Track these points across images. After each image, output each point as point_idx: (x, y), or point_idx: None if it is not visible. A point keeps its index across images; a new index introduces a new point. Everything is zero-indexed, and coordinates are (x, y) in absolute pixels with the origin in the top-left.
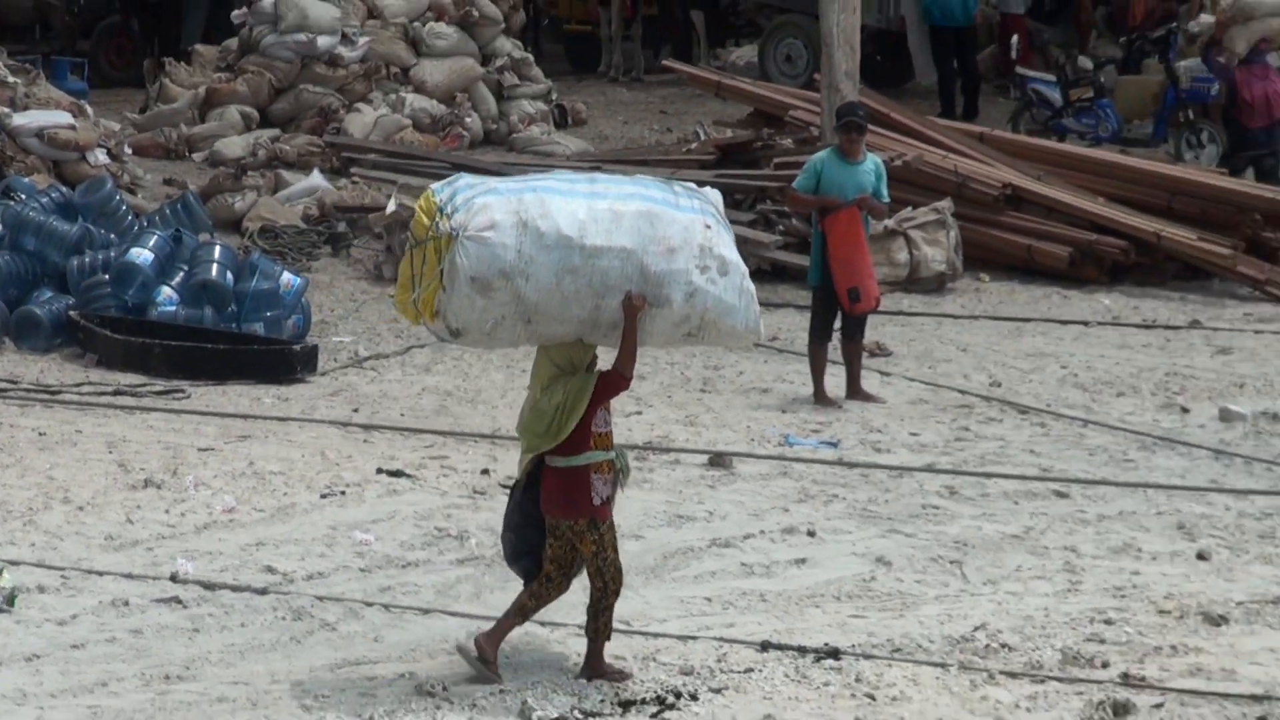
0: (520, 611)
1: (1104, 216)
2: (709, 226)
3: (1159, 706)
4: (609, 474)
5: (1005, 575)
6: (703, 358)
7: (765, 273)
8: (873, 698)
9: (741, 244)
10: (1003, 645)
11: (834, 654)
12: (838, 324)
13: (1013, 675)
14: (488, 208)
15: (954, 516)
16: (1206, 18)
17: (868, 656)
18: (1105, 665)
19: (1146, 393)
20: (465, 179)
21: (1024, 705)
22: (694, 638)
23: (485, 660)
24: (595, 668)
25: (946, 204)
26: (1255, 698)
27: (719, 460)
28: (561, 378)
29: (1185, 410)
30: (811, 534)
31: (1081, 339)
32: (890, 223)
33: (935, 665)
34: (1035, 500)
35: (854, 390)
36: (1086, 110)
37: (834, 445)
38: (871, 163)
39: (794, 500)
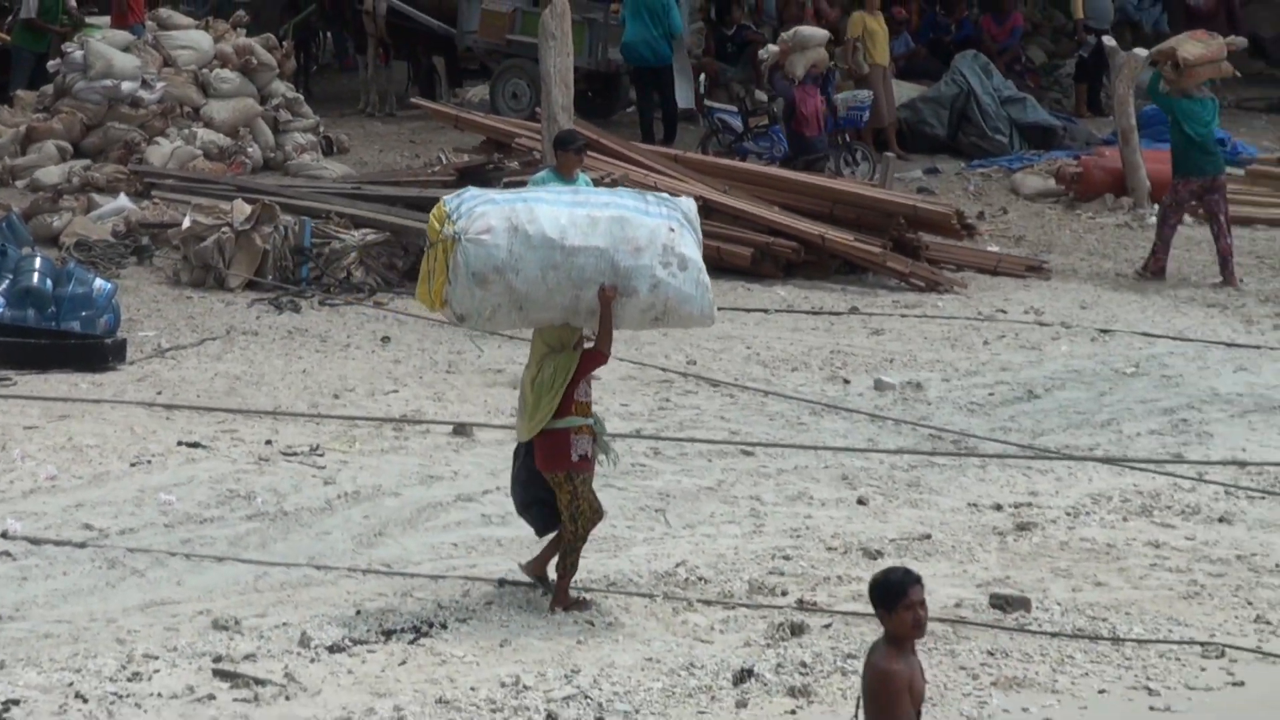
0: (565, 564)
1: (778, 222)
2: (673, 229)
3: (828, 626)
4: (588, 434)
5: (701, 520)
6: (447, 345)
7: None
8: (592, 624)
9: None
10: (699, 578)
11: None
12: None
13: (708, 603)
14: (485, 215)
15: (658, 473)
16: (773, 47)
17: (587, 589)
18: (784, 593)
19: (815, 368)
20: (471, 191)
21: (718, 628)
22: (443, 577)
23: (580, 605)
24: (561, 600)
25: None
26: None
27: (462, 429)
28: (552, 355)
29: (847, 382)
30: None
31: (762, 324)
32: None
33: (643, 596)
34: (725, 459)
35: None
36: (763, 135)
37: None
38: (583, 180)
39: None
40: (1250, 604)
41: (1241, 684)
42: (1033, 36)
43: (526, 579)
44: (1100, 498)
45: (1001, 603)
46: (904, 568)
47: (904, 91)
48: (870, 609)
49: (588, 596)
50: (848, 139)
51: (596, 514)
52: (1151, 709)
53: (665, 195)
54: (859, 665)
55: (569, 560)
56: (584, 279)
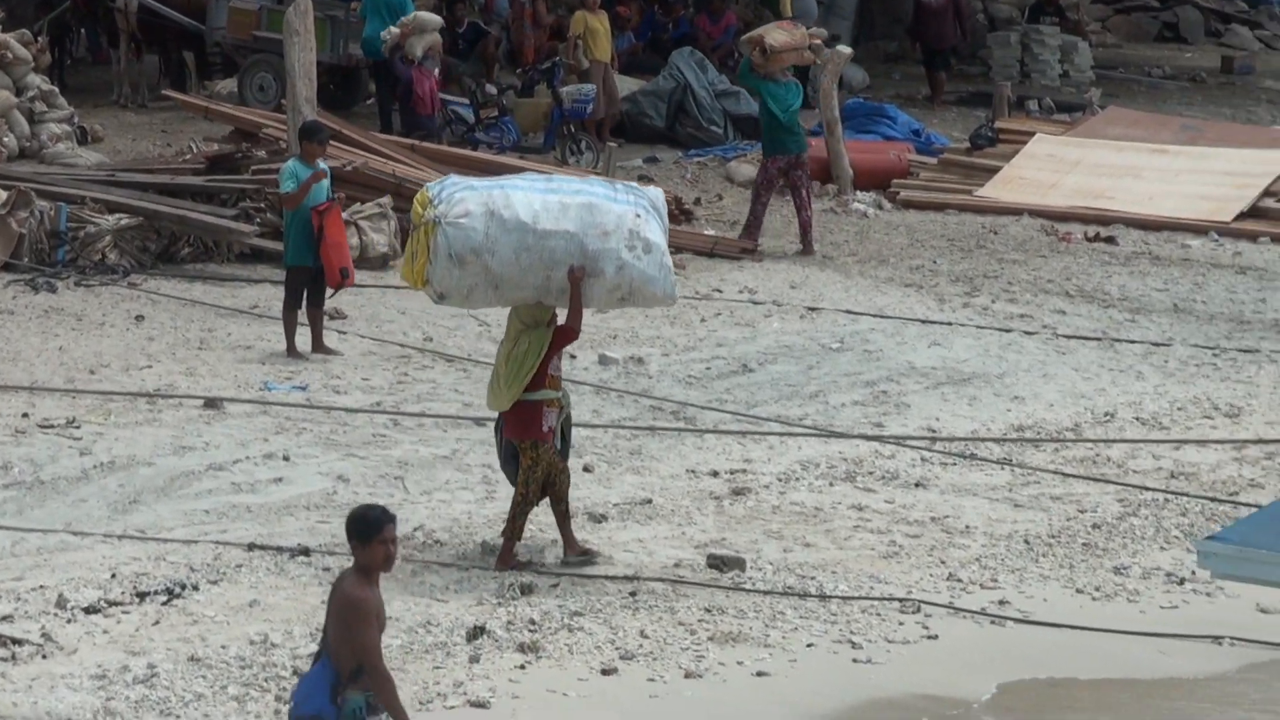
0: (565, 513)
1: None
2: (639, 215)
3: (555, 586)
4: (556, 409)
5: (438, 487)
6: (199, 323)
7: (246, 255)
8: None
9: (226, 233)
10: (436, 541)
11: (305, 552)
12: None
13: (444, 565)
14: (464, 200)
15: (397, 442)
16: (394, 29)
17: (332, 554)
18: (514, 555)
19: None
20: (453, 178)
21: (452, 588)
22: (195, 541)
23: (520, 566)
24: (505, 561)
25: (387, 200)
26: (627, 578)
27: (213, 403)
28: (527, 332)
29: (573, 357)
30: (286, 459)
31: None
32: (344, 215)
33: None
34: (460, 429)
35: (318, 346)
36: (493, 126)
37: (303, 389)
38: (324, 167)
39: (272, 433)
40: (944, 563)
41: (935, 637)
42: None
43: (274, 545)
44: (809, 464)
45: (718, 563)
46: (382, 507)
47: (625, 85)
48: (590, 571)
49: (530, 559)
50: (572, 130)
51: (563, 475)
52: (854, 661)
53: (634, 185)
54: (586, 622)
55: (517, 524)
56: (555, 260)
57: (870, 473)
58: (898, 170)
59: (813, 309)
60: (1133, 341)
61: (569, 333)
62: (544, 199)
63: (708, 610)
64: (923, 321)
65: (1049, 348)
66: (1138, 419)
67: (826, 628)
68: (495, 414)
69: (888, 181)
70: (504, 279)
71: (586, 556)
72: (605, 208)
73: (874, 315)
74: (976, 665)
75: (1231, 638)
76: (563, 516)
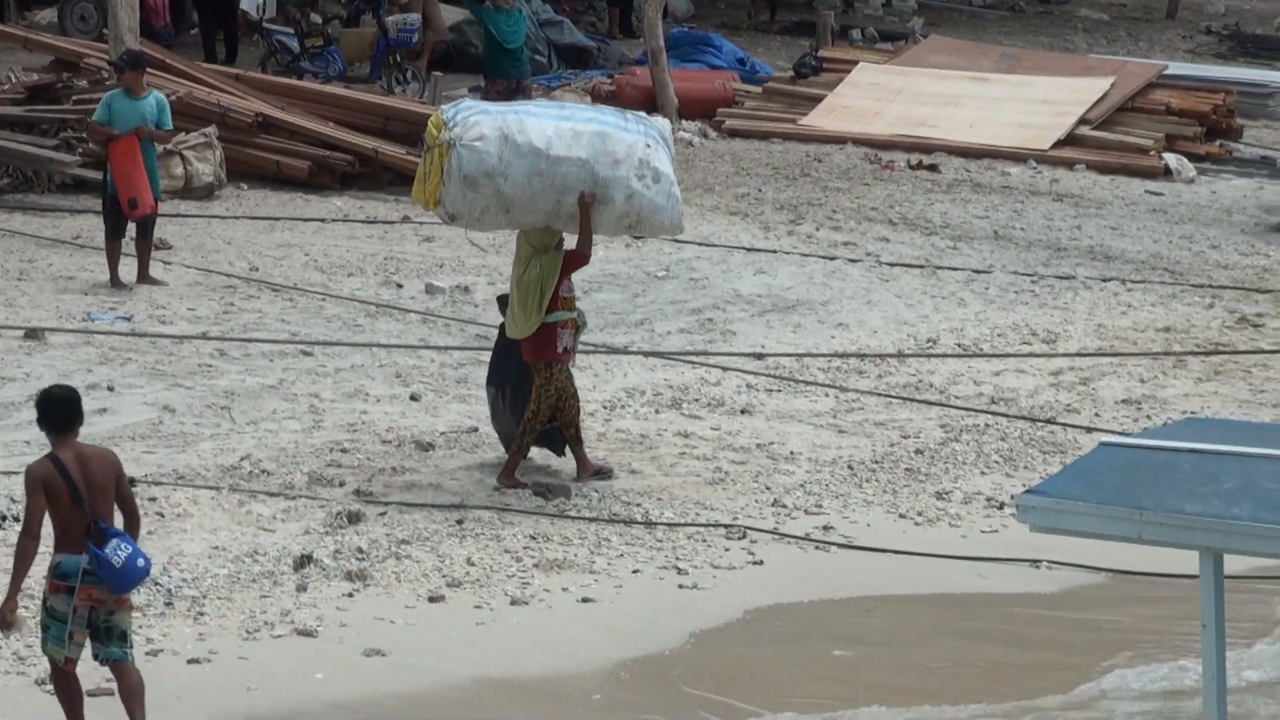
0: (576, 437)
1: (334, 137)
2: (649, 145)
3: (383, 514)
4: (572, 329)
5: (264, 417)
6: (18, 254)
7: (69, 186)
8: (163, 515)
9: (46, 164)
10: (263, 471)
11: (131, 482)
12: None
13: (271, 494)
14: (479, 124)
15: (224, 372)
16: None
17: (157, 483)
18: (342, 484)
19: (370, 273)
20: (467, 102)
21: (280, 516)
22: (15, 473)
23: (520, 485)
24: (508, 477)
25: (212, 129)
26: (454, 506)
27: (34, 334)
28: (536, 256)
29: (400, 286)
30: (111, 389)
31: (320, 233)
32: (169, 145)
33: (210, 488)
34: (287, 359)
35: (143, 276)
36: (319, 56)
37: (128, 319)
38: (154, 98)
39: (96, 363)
40: (769, 489)
41: (761, 562)
42: None
43: None
44: (635, 392)
45: (544, 490)
46: (70, 387)
47: (451, 15)
48: (417, 499)
49: (528, 481)
50: (399, 59)
51: (573, 399)
52: (680, 586)
53: (643, 115)
54: (413, 551)
55: (526, 441)
56: (566, 186)
57: (696, 400)
58: (723, 99)
59: (638, 237)
60: (954, 269)
61: (579, 257)
62: (557, 126)
63: (533, 538)
64: (748, 249)
65: (873, 275)
66: (959, 345)
67: (652, 554)
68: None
69: (713, 110)
70: (515, 202)
71: (602, 474)
72: (617, 136)
73: (699, 244)
74: (800, 590)
75: (1049, 561)
76: (574, 440)
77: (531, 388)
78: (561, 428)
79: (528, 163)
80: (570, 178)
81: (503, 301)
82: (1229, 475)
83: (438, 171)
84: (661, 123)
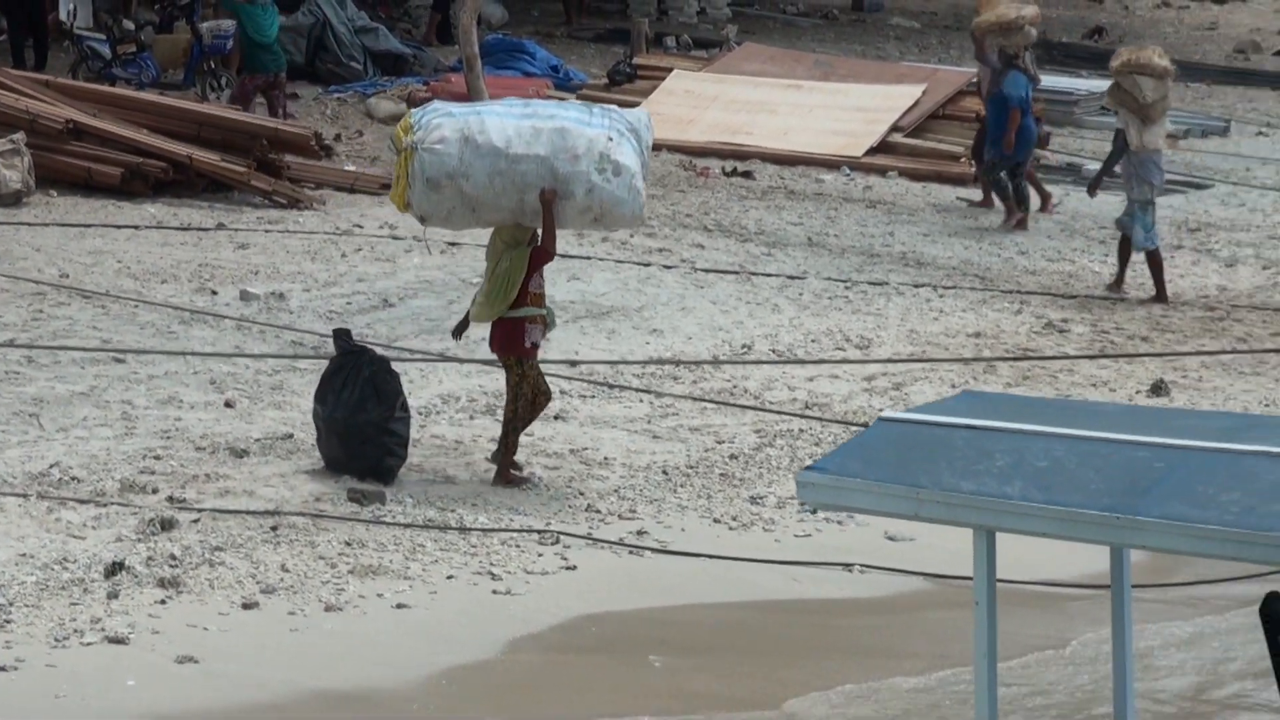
0: (507, 443)
1: (148, 143)
2: (611, 139)
3: (197, 521)
4: (540, 324)
5: (75, 424)
6: None
7: None
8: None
9: None
10: (73, 478)
11: None
12: None
13: (81, 501)
14: (440, 126)
15: (32, 379)
16: None
17: None
18: (155, 491)
19: (184, 280)
20: (435, 104)
21: (90, 524)
22: None
23: (519, 481)
24: (504, 476)
25: (20, 136)
26: (268, 513)
27: None
28: (508, 250)
29: (214, 293)
30: None
31: (133, 239)
32: None
33: (18, 495)
34: (98, 366)
35: None
36: (131, 62)
37: None
38: None
39: None
40: (582, 494)
41: (574, 568)
42: None
43: None
44: (449, 398)
45: (358, 496)
46: None
47: None
48: (232, 505)
49: (529, 473)
50: (213, 66)
51: (544, 395)
52: (494, 592)
53: (613, 108)
54: (227, 557)
55: (511, 439)
56: (526, 184)
57: None
58: None
59: (453, 244)
60: (769, 275)
61: (544, 254)
62: (518, 124)
63: (348, 544)
64: (563, 256)
65: (687, 281)
66: (774, 350)
67: (467, 560)
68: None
69: None
70: (480, 201)
71: (520, 484)
72: (577, 132)
73: None
74: (615, 595)
75: (861, 565)
76: (512, 432)
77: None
78: (504, 420)
79: (488, 162)
80: (530, 175)
81: (338, 334)
82: (1003, 453)
83: (404, 174)
84: (636, 114)
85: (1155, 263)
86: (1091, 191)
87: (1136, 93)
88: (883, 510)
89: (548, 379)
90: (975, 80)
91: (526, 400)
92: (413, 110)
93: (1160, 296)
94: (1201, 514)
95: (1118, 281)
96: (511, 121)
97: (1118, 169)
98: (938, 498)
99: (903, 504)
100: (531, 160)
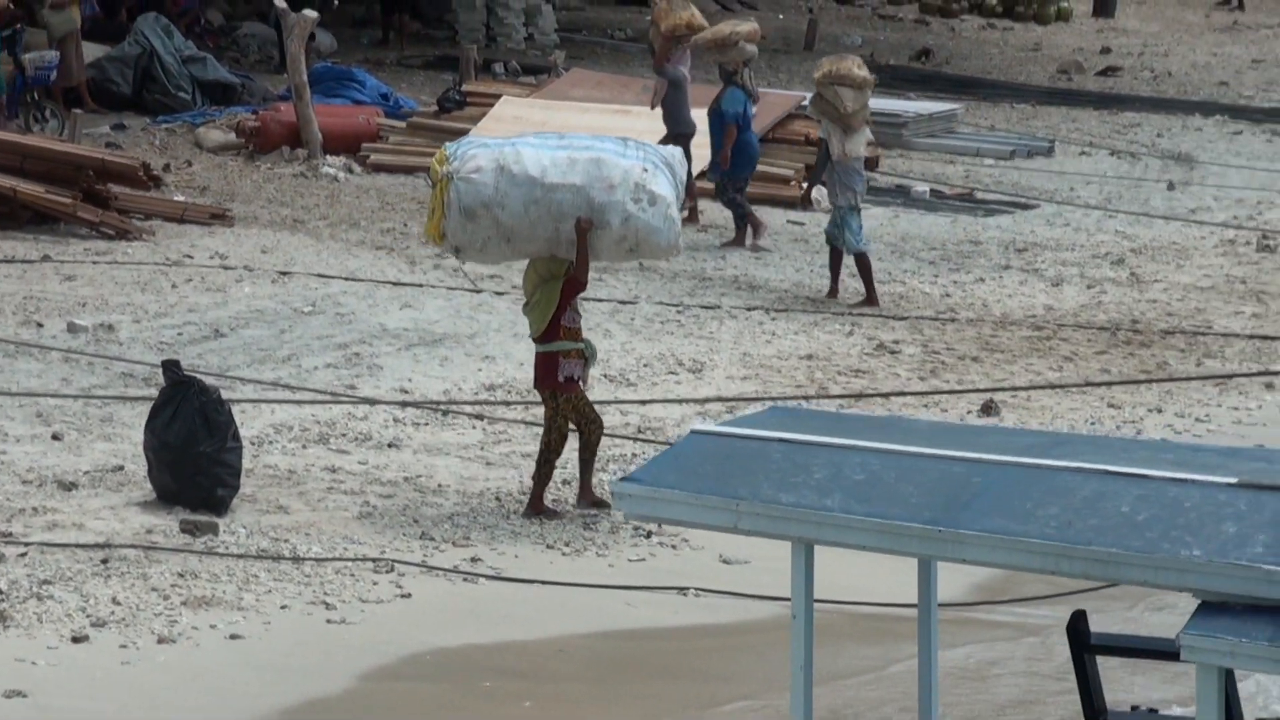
0: (586, 464)
1: None
2: (646, 170)
3: (24, 555)
4: (576, 359)
5: None
6: None
7: None
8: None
9: None
10: None
11: None
12: None
13: None
14: (476, 156)
15: None
16: None
17: None
18: None
19: (9, 313)
20: (470, 137)
21: None
22: None
23: (551, 514)
24: (535, 507)
25: None
26: (99, 545)
27: None
28: (543, 284)
29: (40, 325)
30: None
31: None
32: None
33: None
34: None
35: None
36: None
37: None
38: None
39: None
40: (416, 522)
41: (409, 595)
42: (213, 0)
43: None
44: (282, 428)
45: (191, 527)
46: None
47: (90, 52)
48: (60, 539)
49: (563, 509)
50: (36, 97)
51: (595, 425)
52: (329, 621)
53: (647, 143)
54: (55, 590)
55: (544, 470)
56: (562, 213)
57: (343, 435)
58: (367, 134)
59: (284, 273)
60: (600, 300)
61: (575, 284)
62: (553, 155)
63: (181, 575)
64: (394, 284)
65: (519, 308)
66: (605, 376)
67: (301, 589)
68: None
69: (357, 145)
70: (515, 232)
71: (599, 506)
72: (613, 162)
73: (346, 278)
74: (450, 623)
75: (696, 589)
76: (585, 464)
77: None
78: (580, 449)
79: (523, 191)
80: (566, 204)
81: (168, 365)
82: (819, 466)
83: (440, 206)
84: (669, 151)
85: (864, 265)
86: (803, 203)
87: (838, 103)
88: (701, 522)
89: (380, 406)
90: (654, 91)
91: (560, 434)
92: (448, 143)
93: (871, 299)
94: (1022, 528)
95: (832, 290)
96: (547, 152)
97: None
98: (757, 509)
99: (721, 516)
100: (567, 189)
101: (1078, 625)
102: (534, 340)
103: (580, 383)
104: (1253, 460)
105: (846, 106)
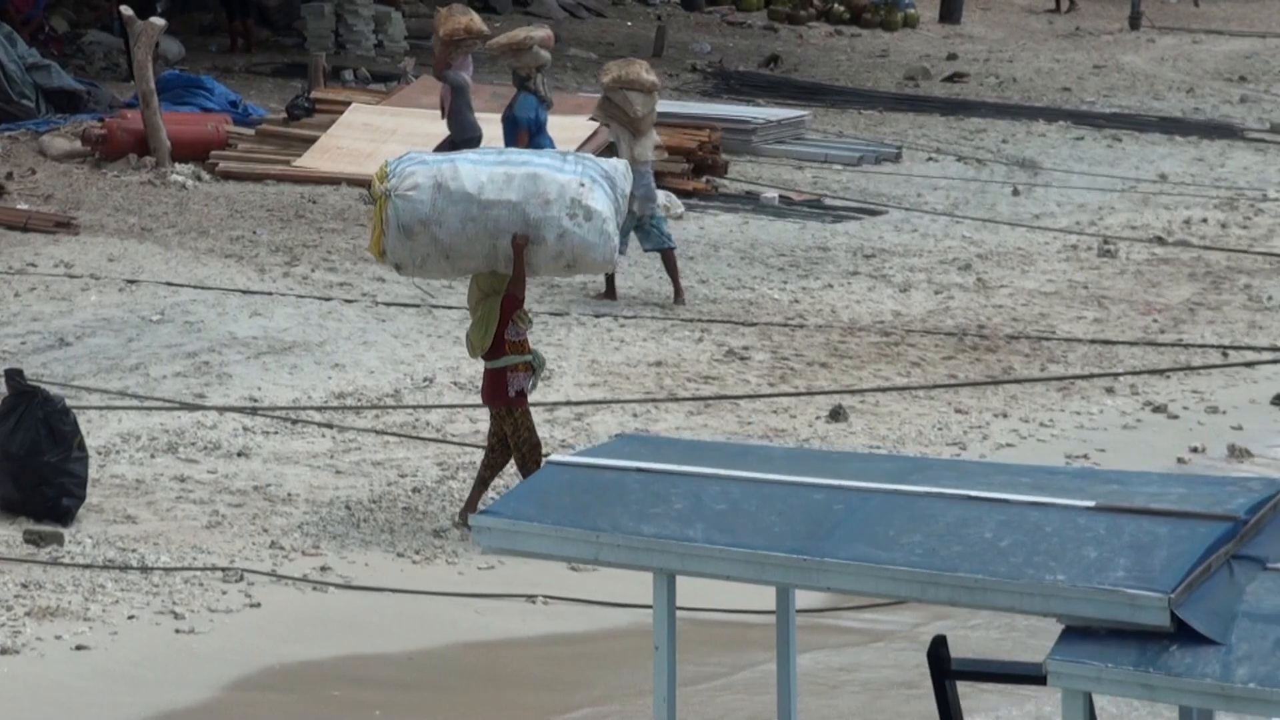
0: (482, 481)
1: None
2: (583, 185)
3: None
4: (524, 372)
5: None
6: None
7: None
8: None
9: None
10: None
11: None
12: None
13: None
14: (413, 174)
15: None
16: None
17: None
18: None
19: None
20: (412, 154)
21: None
22: None
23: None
24: (471, 508)
25: None
26: None
27: None
28: (484, 300)
29: None
30: None
31: None
32: None
33: None
34: None
35: None
36: None
37: None
38: None
39: None
40: (266, 531)
41: (259, 605)
42: (57, 7)
43: None
44: (129, 437)
45: (35, 537)
46: None
47: None
48: None
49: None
50: None
51: (535, 448)
52: (177, 631)
53: (588, 156)
54: None
55: (483, 477)
56: (499, 229)
57: (192, 444)
58: (216, 141)
59: (132, 281)
60: (450, 307)
61: (512, 299)
62: (490, 171)
63: (25, 586)
64: (244, 292)
65: (369, 315)
66: (455, 383)
67: (149, 599)
68: None
69: (206, 153)
70: (453, 249)
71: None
72: (550, 178)
73: (194, 286)
74: (300, 632)
75: (544, 596)
76: (482, 482)
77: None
78: (483, 465)
79: (460, 209)
80: (503, 221)
81: (10, 374)
82: (679, 496)
83: (380, 223)
84: (614, 163)
85: (670, 261)
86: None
87: (627, 107)
88: (562, 554)
89: (229, 415)
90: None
91: (529, 446)
92: (388, 158)
93: (678, 296)
94: (887, 555)
95: (676, 293)
96: (485, 168)
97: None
98: (618, 541)
99: (582, 548)
100: (503, 206)
101: (938, 651)
102: (479, 358)
103: (521, 396)
104: (1107, 483)
105: (636, 111)
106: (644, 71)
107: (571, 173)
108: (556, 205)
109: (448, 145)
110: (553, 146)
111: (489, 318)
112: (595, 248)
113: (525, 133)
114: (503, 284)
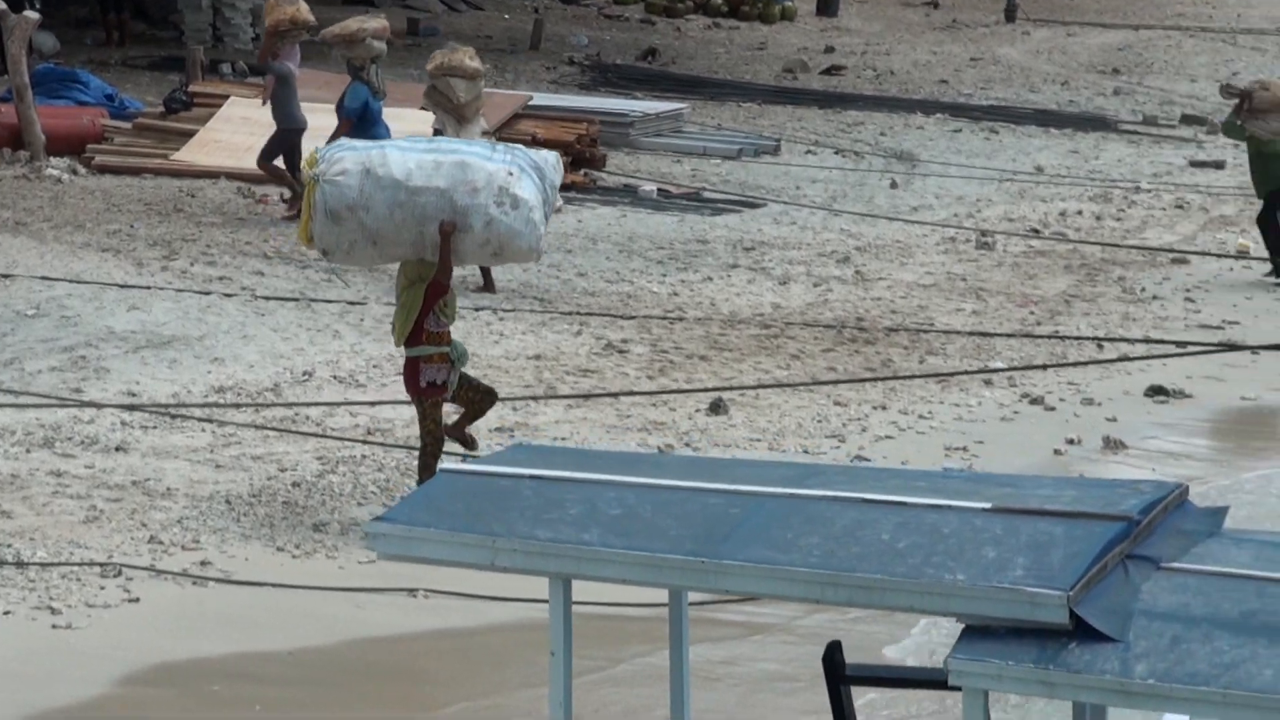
0: (424, 472)
1: None
2: (511, 174)
3: None
4: (441, 363)
5: None
6: None
7: None
8: None
9: None
10: None
11: None
12: None
13: None
14: (342, 159)
15: None
16: None
17: None
18: None
19: None
20: (344, 141)
21: None
22: None
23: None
24: None
25: None
26: None
27: None
28: (410, 287)
29: None
30: None
31: None
32: None
33: None
34: None
35: None
36: None
37: None
38: None
39: None
40: (145, 526)
41: (137, 600)
42: None
43: None
44: (3, 432)
45: None
46: None
47: None
48: None
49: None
50: None
51: (438, 443)
52: (54, 627)
53: (519, 147)
54: None
55: (426, 474)
56: (426, 216)
57: (69, 438)
58: (92, 135)
59: (5, 276)
60: (330, 301)
61: (438, 287)
62: (419, 158)
63: None
64: (121, 286)
65: (248, 309)
66: (335, 377)
67: (25, 595)
68: None
69: (82, 147)
70: (380, 235)
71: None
72: (478, 166)
73: (71, 281)
74: (179, 627)
75: (425, 590)
76: (464, 420)
77: None
78: (419, 455)
79: (388, 194)
80: (430, 207)
81: None
82: (573, 502)
83: (309, 208)
84: (545, 154)
85: None
86: None
87: (450, 94)
88: (458, 560)
89: (106, 410)
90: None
91: (434, 437)
92: (319, 146)
93: (487, 284)
94: (786, 557)
95: (486, 281)
96: (413, 155)
97: None
98: (515, 546)
99: (478, 553)
100: (431, 193)
101: (833, 656)
102: (399, 345)
103: (441, 388)
104: (1000, 486)
105: (459, 97)
106: (468, 59)
107: (500, 161)
108: (484, 193)
109: (277, 136)
110: (389, 136)
111: (412, 305)
112: (521, 235)
113: (348, 121)
114: (429, 272)
